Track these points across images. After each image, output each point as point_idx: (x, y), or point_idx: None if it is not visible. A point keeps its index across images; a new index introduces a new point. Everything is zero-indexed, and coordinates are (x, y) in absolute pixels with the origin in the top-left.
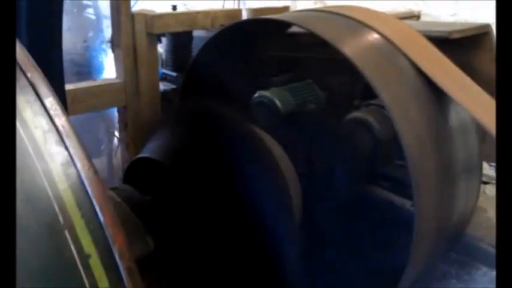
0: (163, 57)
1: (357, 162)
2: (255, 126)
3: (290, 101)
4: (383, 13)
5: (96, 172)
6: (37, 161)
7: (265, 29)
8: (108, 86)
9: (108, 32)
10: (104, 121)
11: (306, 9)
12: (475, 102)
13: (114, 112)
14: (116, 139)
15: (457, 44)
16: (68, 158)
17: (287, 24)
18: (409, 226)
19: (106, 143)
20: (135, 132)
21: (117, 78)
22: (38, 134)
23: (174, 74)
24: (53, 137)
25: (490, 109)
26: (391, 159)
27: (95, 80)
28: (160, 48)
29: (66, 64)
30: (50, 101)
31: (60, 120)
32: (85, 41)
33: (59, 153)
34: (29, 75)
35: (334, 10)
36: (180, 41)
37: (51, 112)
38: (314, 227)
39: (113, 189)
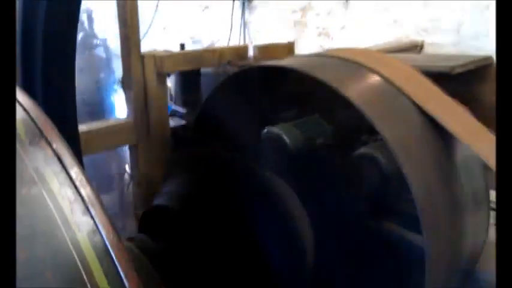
0: (172, 92)
1: (366, 198)
2: (265, 170)
3: (298, 137)
4: (384, 54)
5: (120, 239)
6: (65, 231)
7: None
8: (120, 126)
9: (118, 72)
10: (115, 157)
11: (309, 54)
12: (476, 139)
13: (126, 148)
14: (127, 175)
15: (460, 77)
16: (94, 226)
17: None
18: (419, 261)
19: (117, 178)
20: (146, 169)
21: (128, 117)
22: (65, 204)
23: (183, 110)
24: (79, 207)
25: (491, 145)
26: (400, 194)
27: (107, 120)
28: (169, 82)
29: (78, 105)
30: (75, 171)
31: (85, 190)
32: (97, 82)
33: (85, 223)
34: (54, 146)
35: (336, 54)
36: (189, 78)
37: (77, 182)
38: (325, 264)
39: (130, 239)
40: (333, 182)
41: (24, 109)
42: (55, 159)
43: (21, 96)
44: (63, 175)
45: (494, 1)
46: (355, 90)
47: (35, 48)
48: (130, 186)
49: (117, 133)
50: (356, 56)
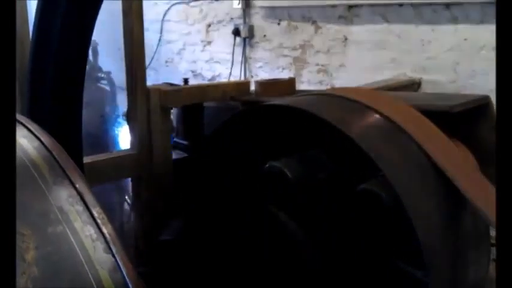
0: (174, 125)
1: (367, 234)
2: (268, 204)
3: (300, 171)
4: (385, 94)
5: (137, 275)
6: (88, 268)
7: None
8: (123, 158)
9: (122, 104)
10: (116, 188)
11: (311, 92)
12: (471, 184)
13: (128, 179)
14: (127, 206)
15: (458, 116)
16: (115, 264)
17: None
18: None
19: (118, 209)
20: (148, 201)
21: (131, 149)
22: (87, 243)
23: (185, 142)
24: (100, 245)
25: (486, 192)
26: (401, 229)
27: (111, 152)
28: (171, 114)
29: (84, 137)
30: (97, 211)
31: (107, 229)
32: (102, 116)
33: (107, 260)
34: (77, 185)
35: (338, 93)
36: (192, 111)
37: (99, 221)
38: None
39: (139, 274)
40: (335, 216)
41: (47, 148)
42: (78, 198)
43: (42, 134)
44: (86, 214)
45: (489, 41)
46: (357, 129)
47: (44, 79)
48: (132, 217)
49: (121, 165)
50: (357, 95)
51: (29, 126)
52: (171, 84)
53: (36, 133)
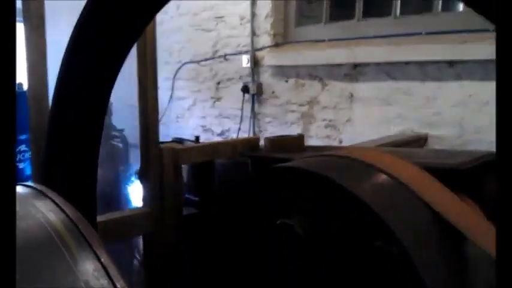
0: (185, 181)
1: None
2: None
3: (310, 228)
4: (394, 156)
5: None
6: None
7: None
8: (136, 216)
9: (135, 162)
10: (126, 244)
11: (322, 153)
12: (482, 235)
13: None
14: (136, 262)
15: (466, 172)
16: None
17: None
18: None
19: (128, 266)
20: (159, 257)
21: (143, 207)
22: None
23: (196, 198)
24: None
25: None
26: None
27: (123, 210)
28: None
29: (97, 196)
30: (121, 284)
31: None
32: (115, 174)
33: None
34: (102, 259)
35: (346, 154)
36: (203, 168)
37: None
38: None
39: None
40: (344, 272)
41: (73, 222)
42: (103, 272)
43: (68, 207)
44: None
45: (492, 97)
46: (368, 191)
47: (62, 141)
48: (142, 273)
49: (133, 223)
50: (368, 157)
51: (55, 200)
52: (181, 140)
53: (62, 206)
